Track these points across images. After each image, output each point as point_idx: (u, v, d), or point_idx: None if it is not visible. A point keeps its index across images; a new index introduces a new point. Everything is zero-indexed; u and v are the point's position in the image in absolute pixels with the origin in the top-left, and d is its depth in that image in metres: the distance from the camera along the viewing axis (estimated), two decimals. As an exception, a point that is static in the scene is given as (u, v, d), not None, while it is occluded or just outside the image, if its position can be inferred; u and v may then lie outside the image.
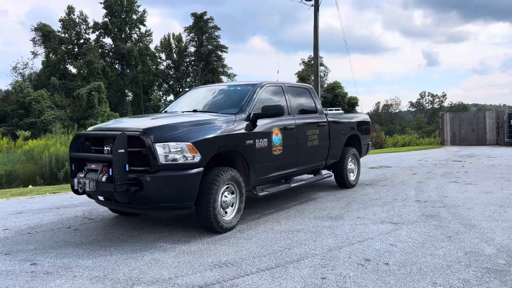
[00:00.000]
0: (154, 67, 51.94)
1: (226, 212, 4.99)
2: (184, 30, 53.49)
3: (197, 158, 4.51)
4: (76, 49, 47.78)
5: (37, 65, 64.06)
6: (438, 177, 9.24)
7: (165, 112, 6.41)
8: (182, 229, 5.13)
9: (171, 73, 54.35)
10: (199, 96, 6.60)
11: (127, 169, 4.31)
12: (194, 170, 4.48)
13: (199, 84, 52.84)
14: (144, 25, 51.37)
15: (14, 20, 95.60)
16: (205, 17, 51.79)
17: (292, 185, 6.29)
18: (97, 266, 3.85)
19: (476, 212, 5.64)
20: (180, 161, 4.41)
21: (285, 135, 5.97)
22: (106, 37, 49.77)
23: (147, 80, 49.72)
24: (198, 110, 5.87)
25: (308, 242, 4.48)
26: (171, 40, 53.81)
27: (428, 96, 78.65)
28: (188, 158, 4.45)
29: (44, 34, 47.31)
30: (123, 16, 48.90)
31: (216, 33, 53.34)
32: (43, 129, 37.26)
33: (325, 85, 39.63)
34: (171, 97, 54.92)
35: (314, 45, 19.44)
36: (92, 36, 49.28)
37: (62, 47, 46.67)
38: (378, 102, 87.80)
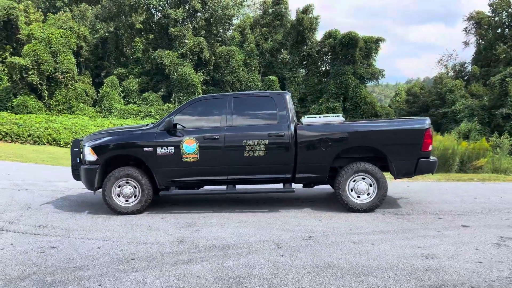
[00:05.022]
0: None
1: (127, 201, 6.65)
2: None
3: (95, 158, 6.63)
4: (506, 32, 43.94)
5: (463, 55, 63.85)
6: None
7: None
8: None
9: None
10: None
11: (78, 161, 7.14)
12: (90, 166, 6.69)
13: None
14: None
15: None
16: None
17: (202, 193, 6.68)
18: None
19: None
20: (88, 159, 6.75)
21: (204, 144, 6.41)
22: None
23: None
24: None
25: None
26: None
27: None
28: (91, 158, 6.69)
29: (476, 22, 46.75)
30: None
31: None
32: (452, 119, 38.43)
33: None
34: None
35: None
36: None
37: (490, 33, 44.39)
38: None
